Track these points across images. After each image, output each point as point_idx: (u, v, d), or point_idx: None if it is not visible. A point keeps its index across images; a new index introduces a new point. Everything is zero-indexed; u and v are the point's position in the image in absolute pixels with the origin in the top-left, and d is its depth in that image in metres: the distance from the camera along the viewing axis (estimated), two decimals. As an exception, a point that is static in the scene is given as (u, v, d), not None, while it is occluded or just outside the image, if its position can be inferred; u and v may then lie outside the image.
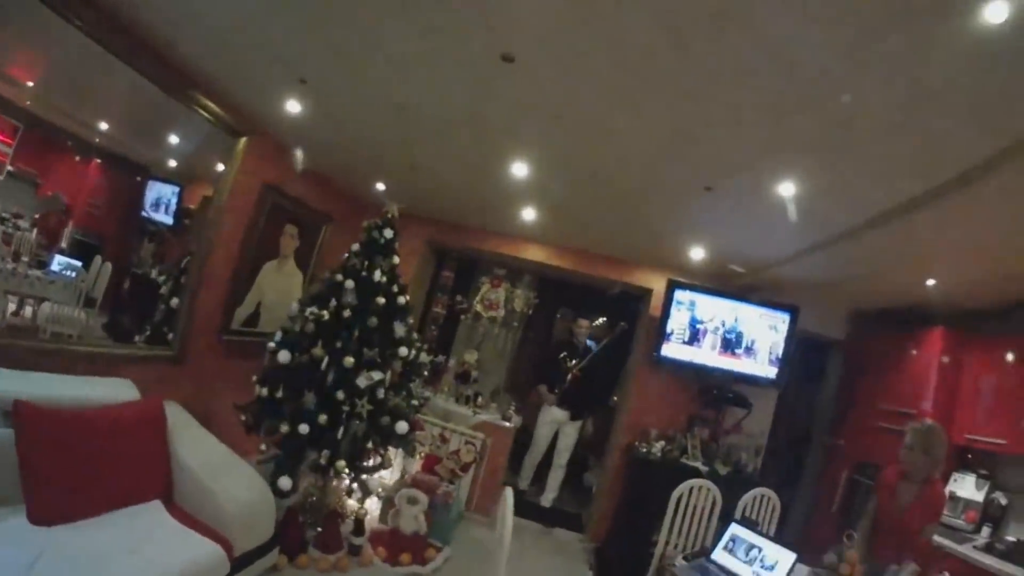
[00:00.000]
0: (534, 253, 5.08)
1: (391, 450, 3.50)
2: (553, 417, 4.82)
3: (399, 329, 3.38)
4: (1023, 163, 1.93)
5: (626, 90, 2.10)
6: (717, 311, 4.45)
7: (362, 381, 3.15)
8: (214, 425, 3.02)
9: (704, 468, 4.20)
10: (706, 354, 4.42)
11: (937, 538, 3.04)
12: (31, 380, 2.24)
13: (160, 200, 3.25)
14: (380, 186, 4.44)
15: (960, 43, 1.49)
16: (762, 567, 2.48)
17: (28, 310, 2.56)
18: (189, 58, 2.74)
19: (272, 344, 3.19)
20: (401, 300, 3.45)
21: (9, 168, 2.43)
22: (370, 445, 3.26)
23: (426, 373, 3.76)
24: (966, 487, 3.54)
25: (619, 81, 2.05)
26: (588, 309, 5.54)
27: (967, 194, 2.22)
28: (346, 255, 3.42)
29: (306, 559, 3.04)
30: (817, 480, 4.88)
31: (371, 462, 3.36)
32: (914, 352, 4.09)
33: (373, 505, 3.84)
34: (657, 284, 4.81)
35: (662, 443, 4.47)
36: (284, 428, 3.03)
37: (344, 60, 2.40)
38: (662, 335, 4.43)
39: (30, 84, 2.40)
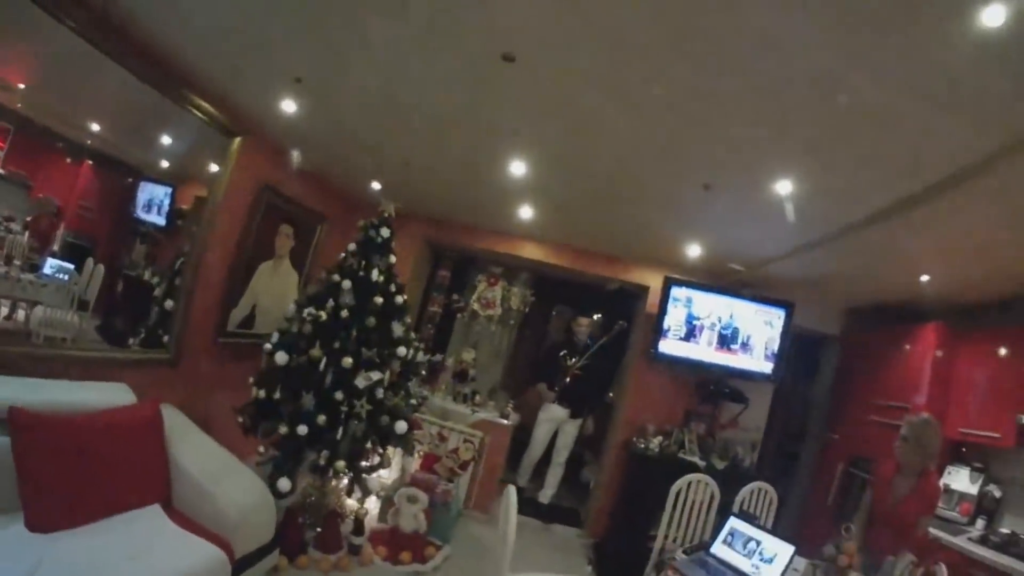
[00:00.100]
0: (531, 251, 5.07)
1: (390, 449, 3.50)
2: (553, 415, 4.83)
3: (397, 329, 3.38)
4: (1018, 162, 1.95)
5: (625, 88, 2.10)
6: (713, 307, 4.47)
7: (361, 381, 3.15)
8: (211, 428, 3.01)
9: (701, 463, 4.22)
10: (703, 350, 4.45)
11: (932, 530, 3.07)
12: (26, 386, 2.21)
13: (152, 201, 3.21)
14: (376, 185, 4.42)
15: (958, 43, 1.50)
16: (761, 560, 2.50)
17: (21, 314, 2.53)
18: (182, 57, 2.70)
19: (269, 345, 3.17)
20: (399, 300, 3.45)
21: (0, 171, 2.40)
22: (369, 445, 3.25)
23: (424, 372, 3.75)
24: (960, 480, 3.58)
25: (619, 79, 2.05)
26: (585, 307, 5.54)
27: (962, 192, 2.24)
28: (342, 255, 3.41)
29: (306, 560, 3.03)
30: (812, 474, 4.92)
31: (370, 462, 3.35)
32: (908, 347, 4.12)
33: (372, 504, 3.84)
34: (654, 281, 4.82)
35: (659, 438, 4.49)
36: (283, 429, 3.02)
37: (340, 59, 2.38)
38: (659, 332, 4.44)
39: (21, 86, 2.37)
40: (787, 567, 2.41)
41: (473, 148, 3.09)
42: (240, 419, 3.14)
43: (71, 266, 2.80)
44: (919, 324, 4.06)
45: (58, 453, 2.07)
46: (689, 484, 3.30)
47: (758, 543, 2.56)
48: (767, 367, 4.44)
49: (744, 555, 2.56)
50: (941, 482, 3.24)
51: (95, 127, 2.83)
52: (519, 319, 5.99)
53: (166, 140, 3.22)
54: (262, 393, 3.09)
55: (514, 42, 1.96)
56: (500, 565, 2.33)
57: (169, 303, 3.27)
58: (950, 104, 1.78)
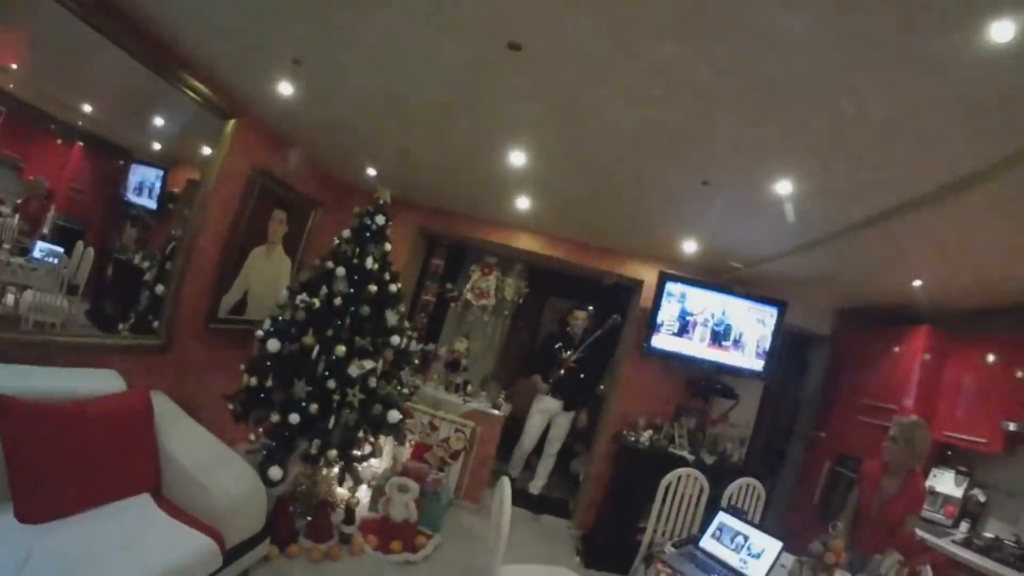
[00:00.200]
0: (526, 242, 5.05)
1: (382, 439, 3.49)
2: (546, 407, 4.84)
3: (391, 317, 3.36)
4: (1018, 173, 1.96)
5: (630, 81, 2.07)
6: (707, 304, 4.49)
7: (354, 370, 3.13)
8: (202, 415, 2.97)
9: (691, 457, 4.26)
10: (695, 346, 4.47)
11: (917, 531, 3.12)
12: (14, 373, 2.17)
13: (143, 184, 3.14)
14: (372, 171, 4.37)
15: (966, 54, 1.50)
16: (749, 554, 2.53)
17: (10, 298, 2.48)
18: (179, 37, 2.64)
19: (261, 332, 3.14)
20: (393, 288, 3.42)
21: (-9, 153, 2.35)
22: (361, 434, 3.25)
23: (416, 361, 3.74)
24: (945, 483, 3.63)
25: (624, 71, 2.02)
26: (579, 299, 5.54)
27: (959, 201, 2.25)
28: (337, 241, 3.37)
29: (297, 549, 3.03)
30: (799, 471, 4.99)
31: (362, 451, 3.35)
32: (897, 349, 4.15)
33: (363, 494, 3.84)
34: (648, 276, 4.83)
35: (650, 432, 4.52)
36: (274, 417, 3.00)
37: (342, 41, 2.33)
38: (652, 326, 4.45)
39: (13, 66, 2.30)
40: (775, 563, 2.45)
41: (473, 136, 3.05)
42: (231, 406, 3.12)
43: (61, 249, 2.74)
44: (909, 327, 4.09)
45: (47, 442, 2.04)
46: (679, 478, 3.33)
47: (746, 538, 2.60)
48: (758, 364, 4.47)
49: (732, 550, 2.59)
50: (926, 483, 3.28)
51: (87, 108, 2.76)
52: (512, 310, 5.98)
53: (159, 122, 3.15)
54: (253, 380, 3.07)
55: (521, 30, 1.93)
56: (493, 556, 2.34)
57: (160, 288, 3.22)
58: (953, 112, 1.78)
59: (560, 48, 1.98)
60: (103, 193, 3.00)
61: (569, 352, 4.84)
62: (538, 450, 4.99)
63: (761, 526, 2.63)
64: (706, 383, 4.65)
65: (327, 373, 3.09)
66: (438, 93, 2.60)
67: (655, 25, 1.73)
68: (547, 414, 4.85)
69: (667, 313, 4.47)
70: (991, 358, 3.57)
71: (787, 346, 4.81)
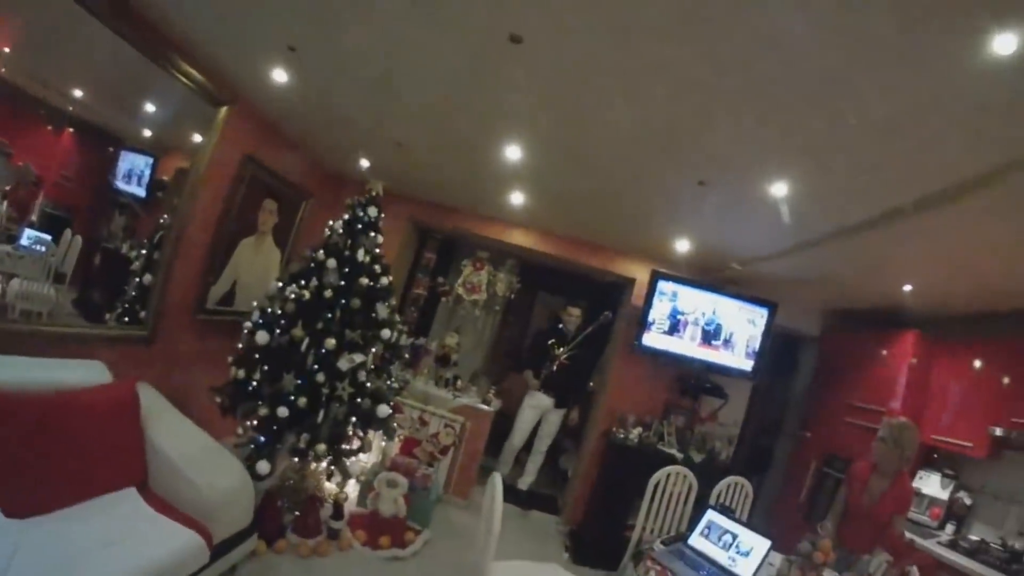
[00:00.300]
0: (519, 238, 5.03)
1: (371, 433, 3.46)
2: (537, 403, 4.83)
3: (382, 311, 3.33)
4: (1013, 182, 1.98)
5: (630, 76, 2.04)
6: (698, 303, 4.50)
7: (344, 364, 3.10)
8: (189, 408, 2.93)
9: (679, 455, 4.28)
10: (686, 345, 4.48)
11: (906, 533, 3.16)
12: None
13: (133, 171, 3.07)
14: (364, 162, 4.32)
15: (967, 63, 1.50)
16: (737, 553, 2.55)
17: (-3, 286, 2.42)
18: (172, 19, 2.58)
19: (249, 324, 3.10)
20: (384, 281, 3.39)
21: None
22: (350, 428, 3.22)
23: (406, 356, 3.71)
24: (931, 485, 3.68)
25: (624, 68, 2.00)
26: (570, 296, 5.53)
27: (953, 207, 2.27)
28: (328, 232, 3.33)
29: (285, 544, 3.00)
30: (786, 471, 5.04)
31: (351, 445, 3.31)
32: (884, 352, 4.19)
33: (352, 489, 3.82)
34: (640, 274, 4.83)
35: (639, 429, 4.53)
36: (263, 411, 2.96)
37: (338, 28, 2.28)
38: (643, 324, 4.46)
39: (6, 50, 2.22)
40: (763, 561, 2.46)
41: (469, 129, 3.01)
42: (218, 399, 3.07)
43: (48, 237, 2.67)
44: (897, 331, 4.13)
45: (32, 435, 1.99)
46: (668, 476, 3.34)
47: (734, 536, 2.61)
48: (747, 364, 4.50)
49: (721, 548, 2.61)
50: (912, 485, 3.32)
51: (78, 93, 2.69)
52: (503, 305, 5.96)
53: (150, 108, 3.07)
54: (241, 373, 3.03)
55: (523, 23, 1.90)
56: (485, 553, 2.33)
57: (147, 277, 3.16)
58: (952, 119, 1.79)
59: (560, 43, 1.96)
60: (92, 180, 2.93)
61: (562, 349, 4.83)
62: (527, 446, 4.98)
63: (749, 524, 2.65)
64: (696, 382, 4.67)
65: (316, 366, 3.06)
66: (435, 85, 2.57)
67: (656, 23, 1.71)
68: (538, 410, 4.84)
69: (658, 311, 4.48)
70: (977, 364, 3.62)
71: (776, 346, 4.85)
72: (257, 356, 3.03)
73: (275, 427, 2.99)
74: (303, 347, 3.05)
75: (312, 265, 3.24)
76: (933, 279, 3.42)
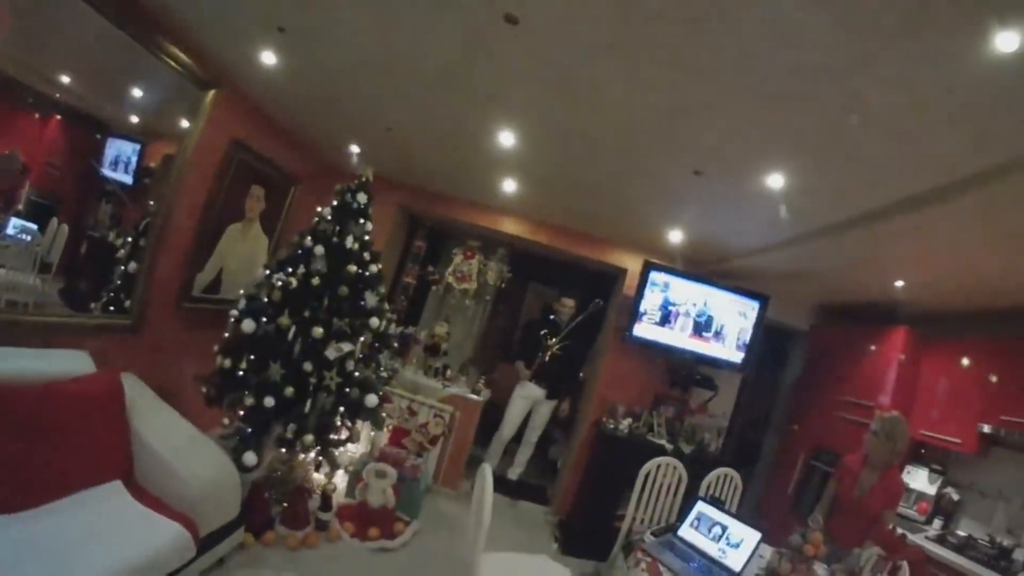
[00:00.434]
0: (510, 226, 4.98)
1: (359, 423, 3.42)
2: (528, 393, 4.79)
3: (370, 299, 3.28)
4: (1009, 182, 1.97)
5: (629, 59, 1.99)
6: (690, 295, 4.49)
7: (331, 353, 3.05)
8: (174, 398, 2.87)
9: (669, 446, 4.28)
10: (677, 336, 4.47)
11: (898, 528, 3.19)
12: (-19, 354, 2.05)
13: (120, 158, 2.98)
14: (354, 148, 4.24)
15: (969, 61, 1.50)
16: (728, 544, 2.55)
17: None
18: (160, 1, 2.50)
19: (235, 312, 3.04)
20: (373, 268, 3.34)
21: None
22: (338, 418, 3.18)
23: (395, 344, 3.67)
24: (919, 480, 3.72)
25: (623, 49, 1.95)
26: (561, 286, 5.50)
27: (948, 205, 2.27)
28: (316, 219, 3.27)
29: (273, 536, 2.97)
30: (774, 463, 5.07)
31: (339, 436, 3.27)
32: (873, 348, 4.22)
33: (340, 479, 3.79)
34: (632, 264, 4.82)
35: (629, 420, 4.53)
36: (249, 401, 2.91)
37: (329, 9, 2.21)
38: (635, 315, 4.44)
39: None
40: (753, 553, 2.47)
41: (462, 114, 2.95)
42: (204, 389, 3.01)
43: (35, 227, 2.61)
44: (886, 327, 4.15)
45: (15, 427, 1.95)
46: (658, 466, 3.34)
47: (724, 528, 2.61)
48: (738, 356, 4.51)
49: (711, 539, 2.61)
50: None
51: (65, 79, 2.61)
52: (494, 295, 5.92)
53: (137, 93, 2.99)
54: (227, 362, 2.97)
55: (519, 2, 1.84)
56: (475, 545, 2.31)
57: (132, 265, 3.08)
58: (951, 117, 1.78)
59: (557, 24, 1.90)
60: (79, 168, 2.84)
61: (554, 339, 4.80)
62: (517, 437, 4.97)
63: (739, 516, 2.65)
64: (686, 373, 4.68)
65: (303, 355, 3.01)
66: (428, 67, 2.50)
67: (657, 6, 1.66)
68: (529, 400, 4.82)
69: (650, 302, 4.46)
70: (965, 362, 3.65)
71: (765, 340, 4.86)
72: (243, 345, 2.97)
73: (262, 417, 2.94)
74: (290, 336, 3.00)
75: (300, 252, 3.18)
76: (925, 276, 3.43)
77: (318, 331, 3.00)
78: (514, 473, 4.96)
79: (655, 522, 3.27)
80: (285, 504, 3.16)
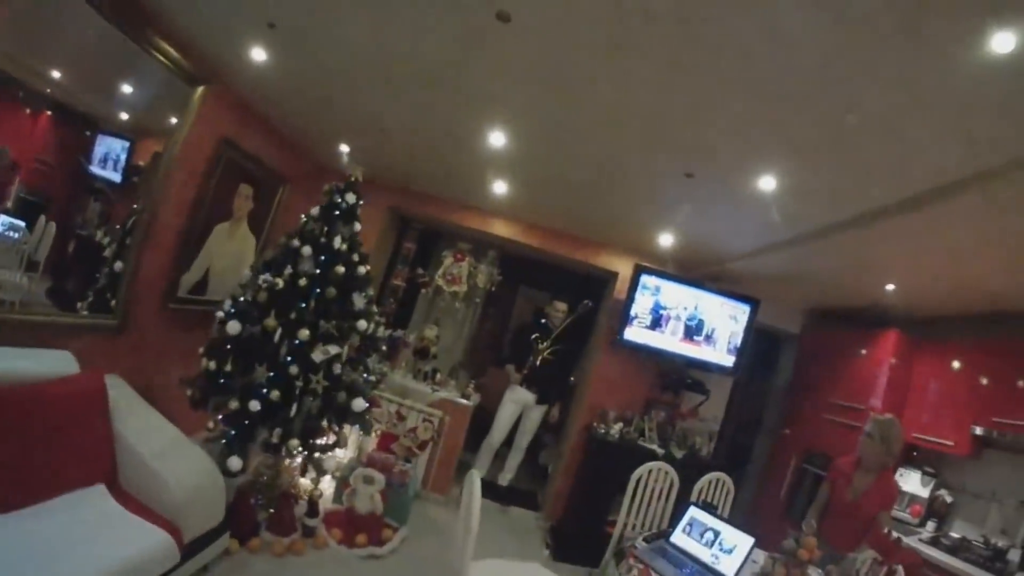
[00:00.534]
0: (501, 228, 4.95)
1: (346, 428, 3.37)
2: (519, 397, 4.74)
3: (358, 301, 3.24)
4: (1001, 185, 1.98)
5: (621, 57, 1.97)
6: (681, 298, 4.48)
7: (317, 355, 3.01)
8: (158, 401, 2.81)
9: (660, 451, 4.27)
10: (667, 339, 4.46)
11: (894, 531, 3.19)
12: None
13: (109, 155, 2.93)
14: (344, 148, 4.19)
15: (964, 63, 1.49)
16: (720, 550, 2.52)
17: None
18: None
19: (221, 313, 2.98)
20: (361, 270, 3.30)
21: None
22: (325, 423, 3.13)
23: (384, 348, 3.62)
24: (912, 482, 3.72)
25: (616, 51, 1.93)
26: (551, 289, 5.47)
27: (940, 208, 2.27)
28: (304, 219, 3.23)
29: (259, 542, 2.91)
30: (765, 467, 5.07)
31: (325, 440, 3.22)
32: (864, 351, 4.24)
33: (327, 485, 3.73)
34: (623, 267, 4.80)
35: (620, 424, 4.51)
36: (234, 404, 2.85)
37: (318, 5, 2.18)
38: (625, 318, 4.43)
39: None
40: (746, 559, 2.44)
41: (453, 114, 2.93)
42: (189, 392, 2.95)
43: (22, 224, 2.55)
44: (877, 330, 4.17)
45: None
46: (649, 471, 3.32)
47: (717, 534, 2.59)
48: (729, 360, 4.51)
49: (703, 545, 2.58)
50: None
51: (56, 74, 2.57)
52: (484, 298, 5.89)
53: (127, 90, 2.95)
54: (213, 365, 2.91)
55: (511, 0, 1.82)
56: (463, 553, 2.26)
57: (119, 265, 3.01)
58: (945, 120, 1.77)
59: (549, 22, 1.88)
60: (68, 165, 2.79)
61: (545, 344, 4.76)
62: (508, 442, 4.92)
63: (732, 521, 2.63)
64: (677, 377, 4.67)
65: (289, 358, 2.95)
66: (420, 64, 2.47)
67: (650, 5, 1.65)
68: (519, 405, 4.76)
69: (641, 306, 4.45)
70: (956, 364, 3.67)
71: (756, 344, 4.87)
72: (228, 347, 2.91)
73: (247, 421, 2.88)
74: (276, 338, 2.94)
75: (287, 252, 3.13)
76: (916, 279, 3.44)
77: (304, 333, 2.96)
78: (504, 479, 4.90)
79: (647, 528, 3.24)
80: (271, 510, 3.10)
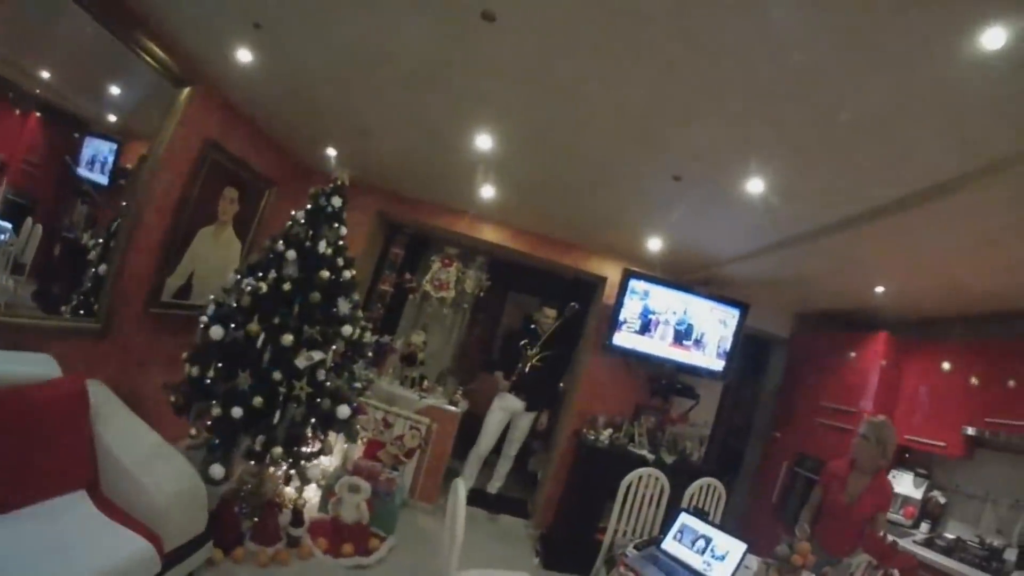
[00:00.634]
0: (489, 233, 4.93)
1: (331, 435, 3.31)
2: (507, 404, 4.68)
3: (343, 306, 3.19)
4: (992, 185, 1.98)
5: (610, 57, 1.96)
6: (670, 303, 4.48)
7: (301, 361, 2.96)
8: (141, 407, 2.76)
9: (650, 456, 4.25)
10: (657, 344, 4.45)
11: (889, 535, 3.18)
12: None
13: (96, 158, 2.90)
14: (330, 151, 4.15)
15: (956, 60, 1.49)
16: (712, 556, 2.49)
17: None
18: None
19: (204, 318, 2.93)
20: (347, 275, 3.26)
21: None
22: (309, 430, 3.08)
23: (370, 354, 3.57)
24: (904, 484, 3.72)
25: (603, 48, 1.91)
26: (540, 295, 5.45)
27: (933, 208, 2.27)
28: (289, 222, 3.18)
29: (242, 552, 2.84)
30: (756, 471, 5.07)
31: (310, 448, 3.16)
32: (853, 354, 4.25)
33: (312, 494, 3.67)
34: (612, 272, 4.80)
35: (610, 431, 4.49)
36: (216, 411, 2.79)
37: (305, 5, 2.15)
38: (615, 324, 4.41)
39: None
40: (739, 565, 2.41)
41: (439, 116, 2.90)
42: (172, 398, 2.89)
43: (9, 226, 2.52)
44: (867, 333, 4.19)
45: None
46: (639, 478, 3.29)
47: (709, 540, 2.56)
48: (718, 365, 4.50)
49: (695, 552, 2.55)
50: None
51: (45, 75, 2.56)
52: (472, 303, 5.84)
53: (115, 91, 2.94)
54: (196, 370, 2.86)
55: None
56: (448, 562, 2.22)
57: (103, 268, 2.95)
58: (936, 120, 1.78)
59: (536, 21, 1.86)
60: (56, 167, 2.76)
61: (534, 350, 4.72)
62: (497, 449, 4.86)
63: (724, 527, 2.60)
64: (667, 382, 4.65)
65: (273, 364, 2.90)
66: (406, 65, 2.44)
67: (638, 5, 1.63)
68: (508, 412, 4.71)
69: (630, 311, 4.44)
70: (947, 365, 3.68)
71: (746, 348, 4.87)
72: (211, 352, 2.86)
73: (230, 428, 2.82)
74: (259, 343, 2.88)
75: (271, 256, 3.08)
76: (906, 280, 3.46)
77: (288, 338, 2.91)
78: (493, 487, 4.84)
79: (638, 535, 3.20)
80: (255, 519, 3.03)
